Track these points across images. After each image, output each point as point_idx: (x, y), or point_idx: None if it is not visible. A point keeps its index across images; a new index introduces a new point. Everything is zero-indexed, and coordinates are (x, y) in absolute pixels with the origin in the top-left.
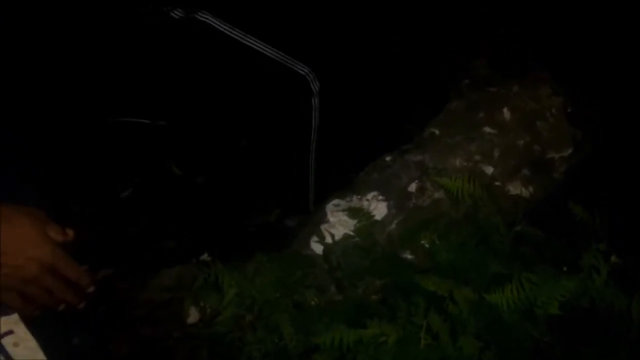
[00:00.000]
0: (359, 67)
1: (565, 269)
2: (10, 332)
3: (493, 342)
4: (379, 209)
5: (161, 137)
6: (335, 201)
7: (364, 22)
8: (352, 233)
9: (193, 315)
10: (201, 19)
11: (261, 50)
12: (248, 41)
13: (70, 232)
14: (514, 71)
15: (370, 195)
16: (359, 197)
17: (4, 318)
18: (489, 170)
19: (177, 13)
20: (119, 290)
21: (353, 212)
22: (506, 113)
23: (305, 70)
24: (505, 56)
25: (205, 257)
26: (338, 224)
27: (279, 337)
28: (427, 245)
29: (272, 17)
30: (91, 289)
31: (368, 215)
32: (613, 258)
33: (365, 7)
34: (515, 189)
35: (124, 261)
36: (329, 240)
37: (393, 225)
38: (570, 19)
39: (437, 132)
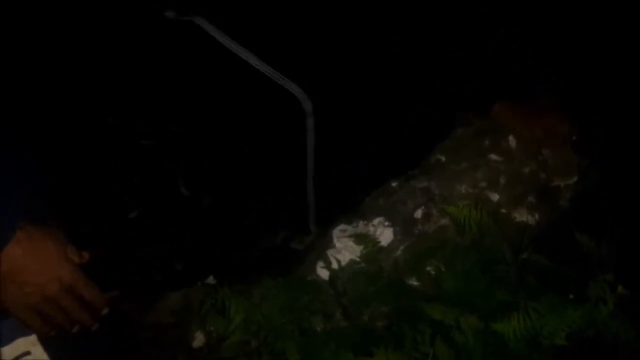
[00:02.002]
0: (365, 89)
1: (572, 296)
2: (27, 354)
3: None
4: (385, 234)
5: (167, 156)
6: (342, 226)
7: (371, 44)
8: (358, 259)
9: (199, 339)
10: (197, 22)
11: (254, 65)
12: (242, 54)
13: (86, 255)
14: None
15: (376, 221)
16: (365, 222)
17: (22, 339)
18: (495, 197)
19: (171, 14)
20: (126, 312)
21: (359, 238)
22: (512, 140)
23: (296, 90)
24: (506, 57)
25: (211, 280)
26: (344, 249)
27: None
28: (432, 272)
29: (272, 32)
30: (105, 311)
31: (374, 242)
32: (620, 289)
33: (370, 29)
34: (521, 216)
35: (130, 283)
36: (335, 266)
37: (399, 252)
38: (576, 24)
39: (443, 158)
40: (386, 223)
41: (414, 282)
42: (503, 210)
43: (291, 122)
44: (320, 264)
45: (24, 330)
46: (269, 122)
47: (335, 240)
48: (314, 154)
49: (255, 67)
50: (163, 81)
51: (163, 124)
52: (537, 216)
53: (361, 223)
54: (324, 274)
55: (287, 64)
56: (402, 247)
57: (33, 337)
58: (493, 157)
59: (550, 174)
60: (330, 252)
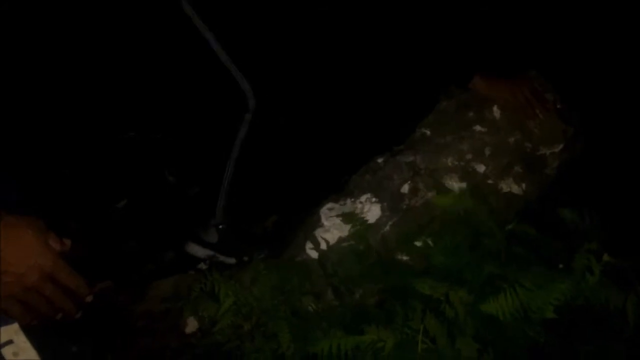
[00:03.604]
0: (349, 69)
1: (561, 266)
2: (10, 342)
3: (491, 343)
4: (373, 211)
5: (154, 147)
6: (330, 205)
7: (353, 23)
8: (346, 237)
9: (191, 325)
10: (184, 10)
11: (219, 56)
12: (213, 44)
13: (68, 242)
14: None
15: (363, 198)
16: (352, 200)
17: (4, 328)
18: (481, 168)
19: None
20: (118, 302)
21: (347, 217)
22: (496, 111)
23: (246, 87)
24: (503, 52)
25: (202, 266)
26: (333, 227)
27: (277, 345)
28: (421, 248)
29: (247, 31)
30: (89, 299)
31: (362, 220)
32: (605, 257)
33: (356, 8)
34: (507, 186)
35: (122, 273)
36: (323, 246)
37: (387, 228)
38: (562, 15)
39: (428, 132)
40: (373, 199)
41: (403, 258)
42: (490, 181)
43: (231, 113)
44: (309, 244)
45: (6, 318)
46: (212, 110)
47: (323, 219)
48: (241, 148)
49: (220, 57)
50: (143, 70)
51: (146, 114)
52: (524, 185)
53: (349, 201)
54: (313, 253)
55: (248, 62)
56: (390, 223)
57: (15, 326)
58: (478, 128)
59: (536, 142)
60: (319, 232)
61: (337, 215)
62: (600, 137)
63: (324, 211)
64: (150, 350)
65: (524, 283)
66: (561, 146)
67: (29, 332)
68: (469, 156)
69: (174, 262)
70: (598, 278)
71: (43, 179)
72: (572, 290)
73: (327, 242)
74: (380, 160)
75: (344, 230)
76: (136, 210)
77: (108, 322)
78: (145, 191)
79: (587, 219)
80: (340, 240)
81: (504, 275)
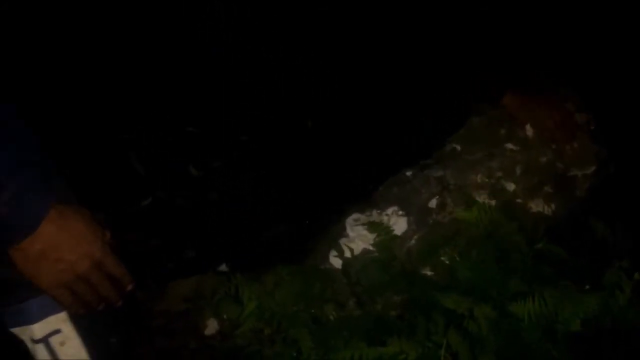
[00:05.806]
0: (379, 80)
1: (587, 286)
2: (58, 331)
3: None
4: (399, 224)
5: (181, 144)
6: (355, 215)
7: (383, 34)
8: (371, 248)
9: (211, 326)
10: None
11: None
12: None
13: (108, 233)
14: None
15: (390, 210)
16: (378, 211)
17: (52, 317)
18: (511, 187)
19: None
20: (138, 300)
21: (373, 227)
22: (528, 129)
23: None
24: (527, 66)
25: (223, 267)
26: (357, 238)
27: (298, 351)
28: (447, 262)
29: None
30: (131, 287)
31: (388, 230)
32: (636, 276)
33: (385, 22)
34: (537, 206)
35: (143, 271)
36: (348, 254)
37: (413, 241)
38: (593, 31)
39: (458, 147)
40: (400, 212)
41: (427, 272)
42: (519, 200)
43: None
44: (334, 252)
45: (55, 307)
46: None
47: (348, 229)
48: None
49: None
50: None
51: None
52: (553, 206)
53: (375, 212)
54: (337, 262)
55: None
56: (416, 237)
57: (63, 315)
58: (509, 146)
59: (568, 163)
60: (343, 241)
61: (363, 225)
62: (633, 160)
63: (349, 221)
64: (168, 350)
65: (553, 294)
66: (593, 168)
67: (75, 321)
68: (498, 174)
69: (193, 262)
70: (628, 297)
71: (72, 171)
72: (600, 306)
73: (351, 250)
74: (408, 173)
75: (369, 241)
76: (161, 208)
77: (126, 319)
78: (169, 191)
79: (619, 235)
80: (365, 251)
81: (530, 292)
